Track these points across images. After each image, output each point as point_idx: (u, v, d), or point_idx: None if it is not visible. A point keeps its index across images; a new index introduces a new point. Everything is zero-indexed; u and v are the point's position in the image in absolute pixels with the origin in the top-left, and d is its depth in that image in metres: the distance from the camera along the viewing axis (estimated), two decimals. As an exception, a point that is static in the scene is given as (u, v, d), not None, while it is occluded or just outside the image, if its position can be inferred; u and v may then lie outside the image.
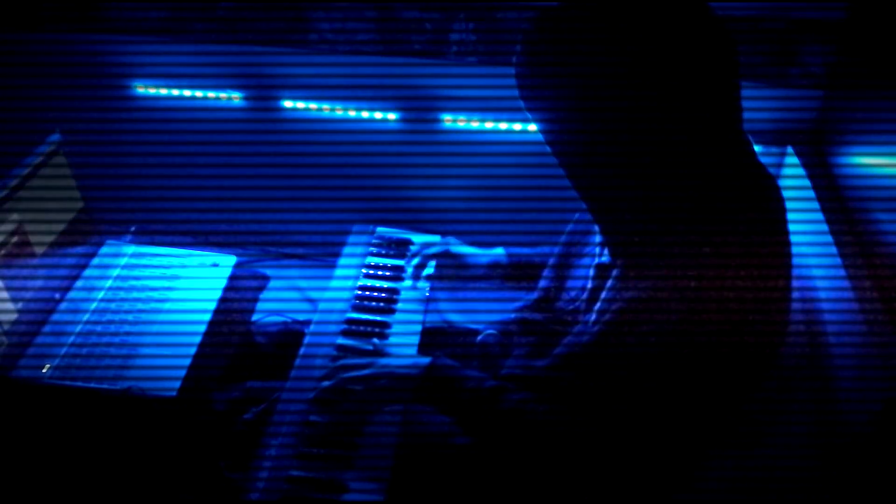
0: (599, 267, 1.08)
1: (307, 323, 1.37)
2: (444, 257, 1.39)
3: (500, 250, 1.39)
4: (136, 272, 1.48)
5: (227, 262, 1.52)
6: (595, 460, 0.97)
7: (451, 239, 1.43)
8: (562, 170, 0.99)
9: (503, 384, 1.06)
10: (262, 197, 1.82)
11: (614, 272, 1.01)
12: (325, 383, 1.13)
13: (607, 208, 0.99)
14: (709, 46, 0.89)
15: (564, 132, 0.95)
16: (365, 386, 1.10)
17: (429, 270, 1.41)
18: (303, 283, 1.70)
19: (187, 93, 1.72)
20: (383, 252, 1.50)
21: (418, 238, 1.51)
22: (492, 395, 1.04)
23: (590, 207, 1.01)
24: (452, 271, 1.40)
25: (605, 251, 1.06)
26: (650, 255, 0.95)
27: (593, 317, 1.02)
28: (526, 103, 0.98)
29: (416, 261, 1.40)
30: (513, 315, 1.24)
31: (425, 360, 1.10)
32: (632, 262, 0.99)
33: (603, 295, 1.02)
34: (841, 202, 1.31)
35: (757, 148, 0.99)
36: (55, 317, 1.36)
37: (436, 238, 1.47)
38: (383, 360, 1.13)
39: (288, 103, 1.71)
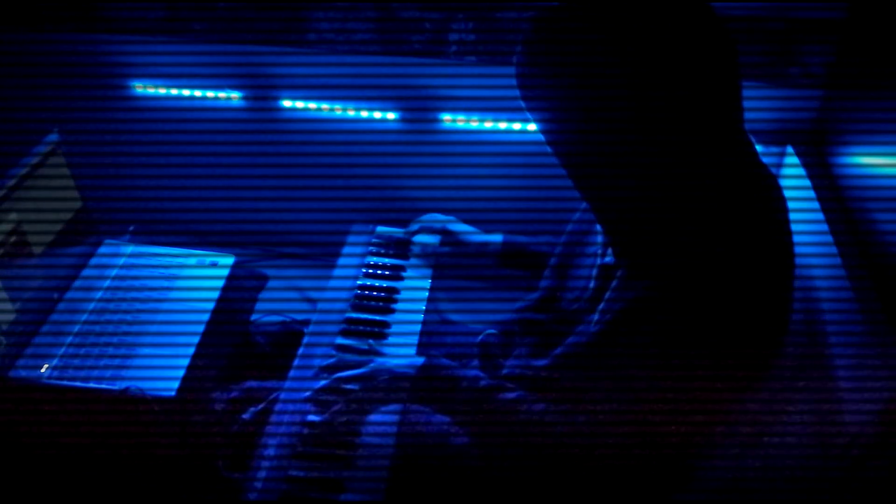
0: (602, 267, 1.08)
1: (306, 323, 1.37)
2: (443, 234, 1.45)
3: (497, 236, 1.42)
4: (134, 272, 1.48)
5: (226, 261, 1.51)
6: (593, 460, 0.97)
7: (451, 217, 1.48)
8: (563, 170, 0.98)
9: (499, 383, 1.06)
10: (262, 196, 1.82)
11: (619, 272, 1.01)
12: (321, 382, 1.13)
13: (609, 208, 0.99)
14: (709, 46, 0.89)
15: (565, 132, 0.95)
16: (361, 385, 1.10)
17: (430, 243, 1.47)
18: (302, 283, 1.70)
19: (186, 92, 1.72)
20: (383, 252, 1.50)
21: (418, 238, 1.52)
22: (487, 395, 1.04)
23: (592, 207, 1.01)
24: (449, 248, 1.45)
25: (609, 251, 1.06)
26: (652, 256, 0.95)
27: (596, 317, 1.01)
28: (526, 103, 0.97)
29: (417, 237, 1.48)
30: (514, 315, 1.24)
31: (420, 360, 1.10)
32: (635, 263, 0.99)
33: (607, 295, 1.01)
34: (841, 202, 1.30)
35: (757, 148, 0.99)
36: (53, 317, 1.35)
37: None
38: (379, 360, 1.13)
39: (287, 103, 1.71)
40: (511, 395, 1.03)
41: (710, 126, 0.91)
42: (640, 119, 0.88)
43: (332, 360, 1.17)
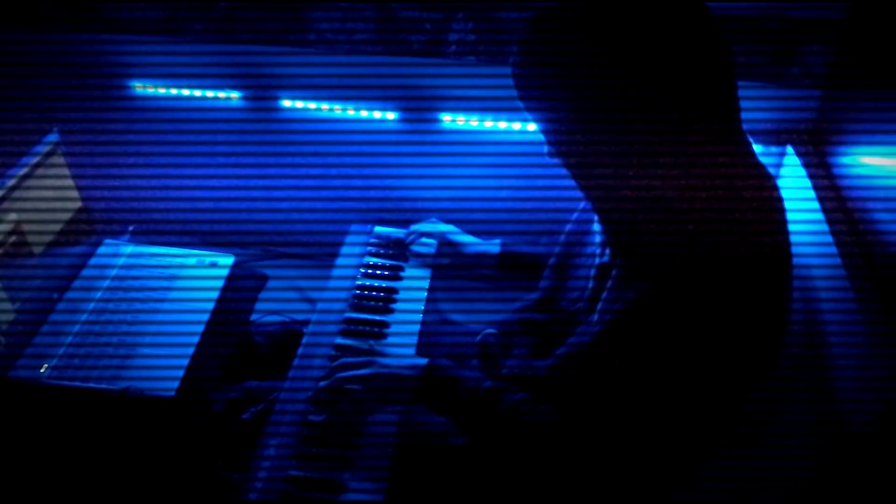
0: (601, 267, 1.08)
1: (306, 322, 1.37)
2: (437, 237, 1.45)
3: (495, 242, 1.41)
4: (134, 272, 1.48)
5: (226, 261, 1.51)
6: (594, 460, 0.97)
7: (449, 226, 1.48)
8: (563, 169, 0.99)
9: (500, 384, 1.06)
10: (261, 196, 1.82)
11: (614, 272, 1.01)
12: (323, 383, 1.13)
13: (609, 206, 0.99)
14: (704, 45, 0.89)
15: (564, 132, 0.95)
16: (363, 386, 1.10)
17: (427, 249, 1.46)
18: (301, 283, 1.70)
19: (185, 92, 1.72)
20: (381, 251, 1.50)
21: (415, 247, 1.51)
22: (489, 396, 1.04)
23: (593, 205, 1.01)
24: (446, 249, 1.44)
25: (607, 251, 1.06)
26: (650, 256, 0.95)
27: (596, 317, 1.01)
28: (525, 103, 0.97)
29: (412, 237, 1.47)
30: (513, 315, 1.24)
31: (422, 360, 1.10)
32: (633, 262, 0.99)
33: (604, 295, 1.01)
34: (841, 202, 1.30)
35: (757, 148, 0.99)
36: (53, 317, 1.35)
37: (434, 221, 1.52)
38: (382, 360, 1.13)
39: (287, 102, 1.71)
40: (515, 397, 1.03)
41: (707, 125, 0.91)
42: (637, 118, 0.88)
43: (332, 361, 1.17)
